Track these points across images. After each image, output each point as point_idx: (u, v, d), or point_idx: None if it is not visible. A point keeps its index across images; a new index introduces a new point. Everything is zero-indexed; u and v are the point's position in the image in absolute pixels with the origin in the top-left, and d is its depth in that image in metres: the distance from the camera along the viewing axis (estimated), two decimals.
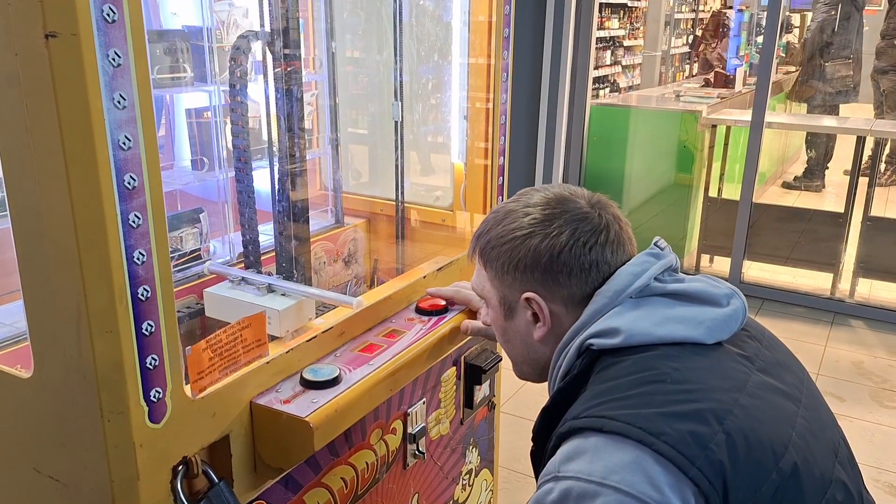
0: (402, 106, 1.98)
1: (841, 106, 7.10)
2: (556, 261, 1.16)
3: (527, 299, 1.20)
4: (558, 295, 1.19)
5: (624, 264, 1.18)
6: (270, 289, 1.54)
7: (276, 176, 1.62)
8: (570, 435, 1.03)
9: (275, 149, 1.62)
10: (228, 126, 1.56)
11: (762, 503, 0.97)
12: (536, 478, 1.13)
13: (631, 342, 1.10)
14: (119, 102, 0.93)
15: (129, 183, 0.96)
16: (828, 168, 7.36)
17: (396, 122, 1.99)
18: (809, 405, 1.14)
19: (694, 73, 7.87)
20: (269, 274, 1.65)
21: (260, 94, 1.59)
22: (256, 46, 1.55)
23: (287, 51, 1.53)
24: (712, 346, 1.12)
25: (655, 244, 1.23)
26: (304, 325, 1.52)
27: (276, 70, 1.54)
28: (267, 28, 1.53)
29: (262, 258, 1.68)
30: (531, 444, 1.21)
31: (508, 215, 1.23)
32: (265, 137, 1.63)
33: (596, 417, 1.01)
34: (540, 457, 1.16)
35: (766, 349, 1.19)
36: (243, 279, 1.57)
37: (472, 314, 1.61)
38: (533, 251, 1.17)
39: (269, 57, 1.54)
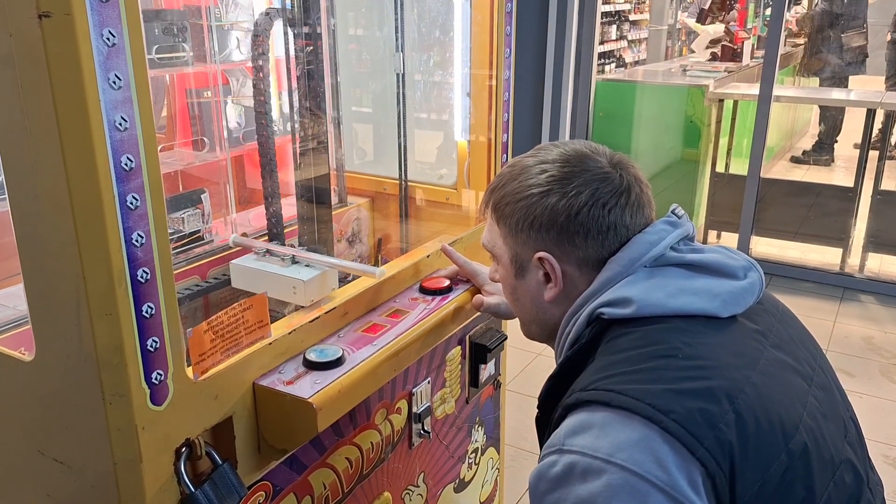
0: (403, 58, 1.94)
1: (851, 78, 7.02)
2: (574, 221, 1.13)
3: (539, 259, 1.17)
4: (573, 256, 1.16)
5: (642, 229, 1.15)
6: (294, 260, 1.54)
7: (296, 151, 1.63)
8: (576, 407, 1.01)
9: (288, 126, 1.62)
10: (229, 106, 1.55)
11: (770, 484, 0.96)
12: (541, 445, 1.12)
13: (643, 313, 1.07)
14: (114, 83, 0.92)
15: (126, 164, 0.95)
16: (837, 141, 7.30)
17: (398, 99, 1.97)
18: (821, 383, 1.12)
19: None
20: (292, 247, 1.65)
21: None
22: (277, 24, 1.53)
23: (306, 28, 1.53)
24: (726, 320, 1.10)
25: (673, 212, 1.20)
26: (329, 296, 1.52)
27: (296, 49, 1.54)
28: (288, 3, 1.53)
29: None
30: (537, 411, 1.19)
31: (525, 171, 1.19)
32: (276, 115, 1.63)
33: (604, 391, 0.99)
34: (545, 424, 1.14)
35: (780, 324, 1.17)
36: (268, 251, 1.57)
37: (477, 293, 1.60)
38: (550, 210, 1.14)
39: (290, 34, 1.53)
